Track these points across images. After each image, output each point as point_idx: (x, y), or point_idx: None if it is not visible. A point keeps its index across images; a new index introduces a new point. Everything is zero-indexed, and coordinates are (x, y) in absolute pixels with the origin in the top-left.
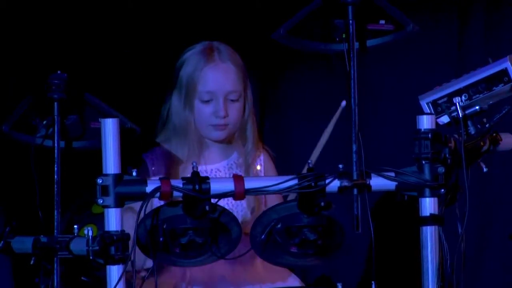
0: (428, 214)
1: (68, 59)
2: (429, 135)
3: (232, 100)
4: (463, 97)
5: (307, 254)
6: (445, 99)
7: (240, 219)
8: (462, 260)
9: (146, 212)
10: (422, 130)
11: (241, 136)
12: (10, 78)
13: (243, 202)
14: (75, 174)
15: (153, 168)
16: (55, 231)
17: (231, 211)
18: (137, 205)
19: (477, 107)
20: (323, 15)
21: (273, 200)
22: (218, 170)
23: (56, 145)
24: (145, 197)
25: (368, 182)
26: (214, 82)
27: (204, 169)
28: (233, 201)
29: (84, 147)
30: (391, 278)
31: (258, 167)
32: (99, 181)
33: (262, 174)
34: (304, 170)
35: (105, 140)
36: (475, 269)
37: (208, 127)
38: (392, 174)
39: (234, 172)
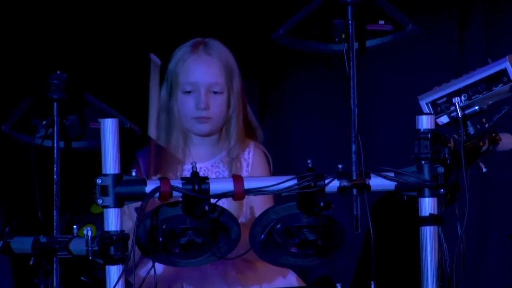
0: (427, 214)
1: (68, 59)
2: (429, 135)
3: (214, 93)
4: (462, 97)
5: (307, 255)
6: (444, 99)
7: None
8: (462, 260)
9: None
10: (422, 130)
11: (227, 132)
12: (10, 78)
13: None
14: (74, 174)
15: (146, 166)
16: (55, 231)
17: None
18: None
19: (476, 107)
20: (322, 15)
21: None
22: (207, 168)
23: (55, 145)
24: (145, 197)
25: (367, 182)
26: (196, 73)
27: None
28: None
29: (83, 147)
30: (391, 278)
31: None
32: (99, 181)
33: (250, 171)
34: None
35: (105, 140)
36: (474, 269)
37: (191, 120)
38: (392, 174)
39: (221, 170)
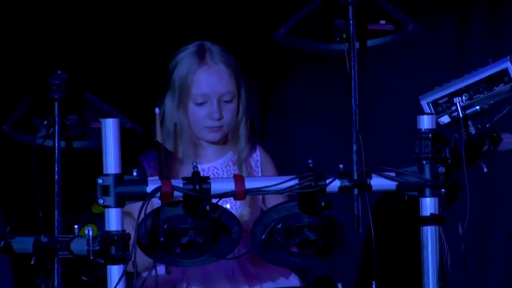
0: (428, 214)
1: (68, 59)
2: (430, 135)
3: (226, 102)
4: (463, 97)
5: (307, 254)
6: (445, 99)
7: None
8: (463, 260)
9: (146, 213)
10: (423, 130)
11: (234, 134)
12: (10, 78)
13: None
14: (75, 174)
15: (150, 170)
16: (56, 231)
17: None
18: (134, 208)
19: (477, 107)
20: (323, 15)
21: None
22: (215, 167)
23: (56, 145)
24: (146, 197)
25: (368, 182)
26: (208, 84)
27: (200, 168)
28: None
29: (84, 147)
30: (391, 278)
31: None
32: (100, 181)
33: (260, 169)
34: None
35: (106, 140)
36: (475, 269)
37: (203, 129)
38: (393, 174)
39: (231, 169)
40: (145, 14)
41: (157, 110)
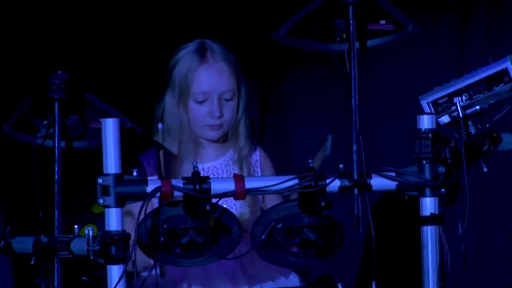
0: (428, 213)
1: (68, 59)
2: (430, 135)
3: (226, 100)
4: (463, 97)
5: (307, 254)
6: (445, 99)
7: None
8: (463, 260)
9: (146, 213)
10: (423, 130)
11: (234, 133)
12: (10, 78)
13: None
14: (75, 174)
15: (150, 169)
16: (56, 231)
17: (229, 207)
18: (135, 207)
19: (477, 107)
20: (323, 15)
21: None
22: (215, 167)
23: (56, 145)
24: (146, 197)
25: (368, 182)
26: (209, 82)
27: (201, 168)
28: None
29: (84, 147)
30: (391, 278)
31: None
32: (100, 181)
33: (259, 169)
34: None
35: (106, 140)
36: (475, 269)
37: (203, 127)
38: (393, 174)
39: (231, 168)
40: (145, 15)
41: (160, 125)
